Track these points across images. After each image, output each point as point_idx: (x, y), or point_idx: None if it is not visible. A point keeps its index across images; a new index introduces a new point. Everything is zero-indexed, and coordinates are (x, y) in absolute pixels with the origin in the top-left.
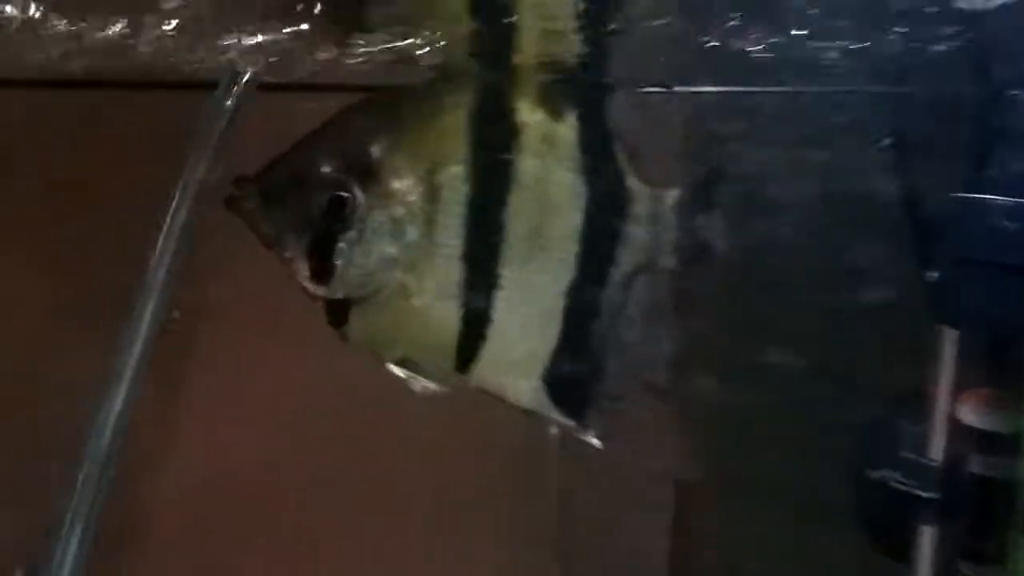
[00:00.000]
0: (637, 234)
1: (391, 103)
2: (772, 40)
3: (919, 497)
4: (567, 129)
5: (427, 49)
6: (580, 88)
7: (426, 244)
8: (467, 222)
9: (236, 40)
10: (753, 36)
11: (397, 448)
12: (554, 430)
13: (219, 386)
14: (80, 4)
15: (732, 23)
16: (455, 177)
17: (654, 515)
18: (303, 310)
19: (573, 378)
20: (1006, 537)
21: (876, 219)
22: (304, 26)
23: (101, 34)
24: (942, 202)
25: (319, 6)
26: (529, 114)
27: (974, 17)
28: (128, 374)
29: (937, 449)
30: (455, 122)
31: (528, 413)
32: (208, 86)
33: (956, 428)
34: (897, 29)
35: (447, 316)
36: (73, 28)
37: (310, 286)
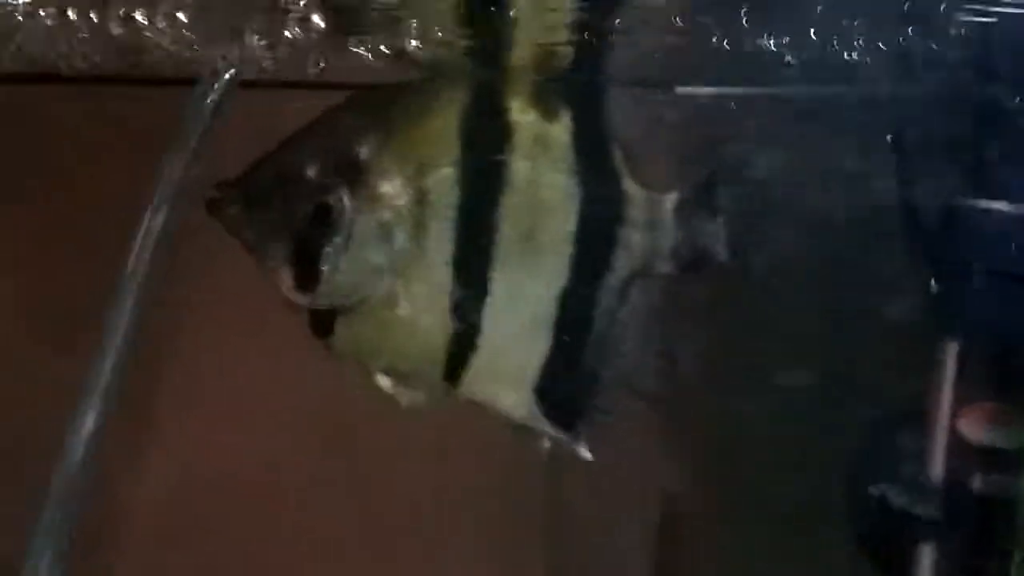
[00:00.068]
0: (634, 239)
1: (379, 102)
2: (773, 40)
3: (919, 515)
4: (561, 130)
5: (418, 46)
6: (575, 87)
7: (415, 250)
8: (457, 227)
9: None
10: (756, 36)
11: (385, 451)
12: (544, 442)
13: (201, 387)
14: None
15: (735, 22)
16: (445, 180)
17: (640, 525)
18: (287, 310)
19: (565, 389)
20: (1008, 556)
21: (876, 227)
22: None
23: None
24: (944, 210)
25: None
26: (522, 114)
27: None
28: (104, 380)
29: (937, 465)
30: (445, 123)
31: (517, 425)
32: (187, 82)
33: (957, 444)
34: (901, 31)
35: (436, 325)
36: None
37: (294, 295)
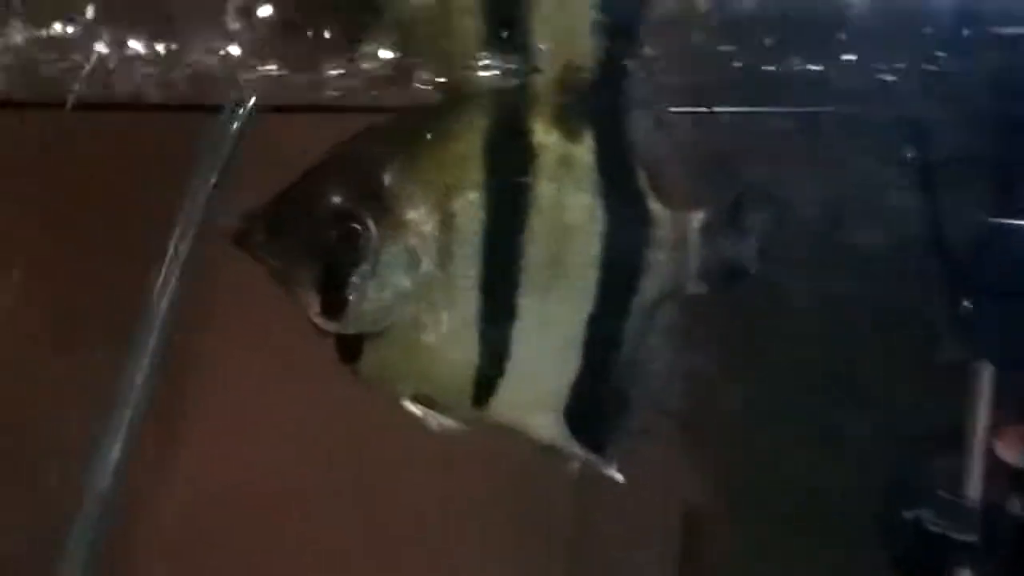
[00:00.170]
0: (660, 260)
1: (402, 127)
2: (802, 60)
3: (955, 539)
4: (585, 150)
5: (437, 69)
6: (598, 107)
7: (441, 275)
8: (483, 251)
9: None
10: (784, 55)
11: (402, 465)
12: (574, 464)
13: (211, 400)
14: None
15: (763, 41)
16: (470, 204)
17: (662, 541)
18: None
19: (594, 411)
20: None
21: (907, 246)
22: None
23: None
24: (977, 230)
25: (327, 27)
26: (546, 135)
27: (1010, 39)
28: (131, 403)
29: (974, 489)
30: (469, 146)
31: (547, 448)
32: (210, 109)
33: (994, 467)
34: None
35: (464, 350)
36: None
37: (321, 321)
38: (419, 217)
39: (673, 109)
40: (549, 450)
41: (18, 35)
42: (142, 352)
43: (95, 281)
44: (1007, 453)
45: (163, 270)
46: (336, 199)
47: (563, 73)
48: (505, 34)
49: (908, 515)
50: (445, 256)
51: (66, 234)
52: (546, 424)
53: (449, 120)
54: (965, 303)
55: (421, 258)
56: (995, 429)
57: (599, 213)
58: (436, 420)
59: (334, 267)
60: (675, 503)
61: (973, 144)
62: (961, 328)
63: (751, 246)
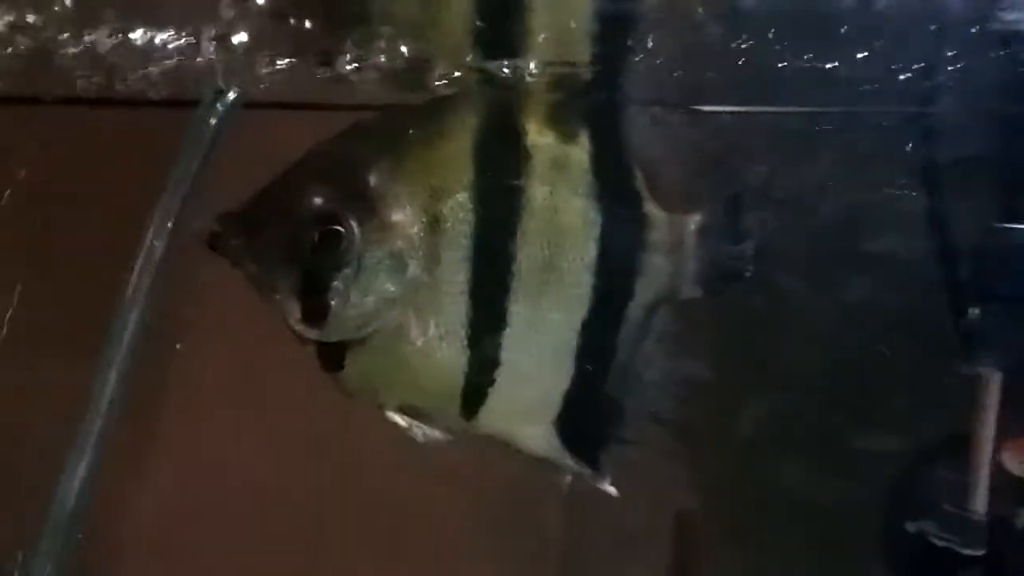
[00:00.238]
0: (656, 264)
1: (388, 125)
2: (801, 59)
3: (961, 553)
4: (580, 152)
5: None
6: (594, 107)
7: (428, 281)
8: (473, 256)
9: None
10: (782, 54)
11: (389, 471)
12: (566, 476)
13: (205, 401)
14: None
15: (761, 40)
16: (459, 207)
17: (653, 550)
18: (288, 344)
19: (587, 422)
20: None
21: (910, 252)
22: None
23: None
24: (982, 235)
25: (313, 21)
26: (539, 136)
27: (1016, 36)
28: (103, 405)
29: (980, 501)
30: (459, 146)
31: (539, 460)
32: (189, 104)
33: (1001, 478)
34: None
35: (452, 358)
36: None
37: (302, 329)
38: (405, 219)
39: (671, 108)
40: (540, 462)
41: None
42: (114, 354)
43: (68, 283)
44: (1014, 464)
45: (135, 270)
46: (317, 199)
47: (558, 70)
48: (498, 28)
49: (912, 528)
50: (432, 260)
51: (39, 234)
52: (537, 435)
53: (438, 118)
54: (972, 310)
55: (407, 262)
56: (1002, 439)
57: (594, 216)
58: (422, 431)
59: (315, 271)
60: (667, 513)
61: (980, 148)
62: (968, 336)
63: (747, 249)
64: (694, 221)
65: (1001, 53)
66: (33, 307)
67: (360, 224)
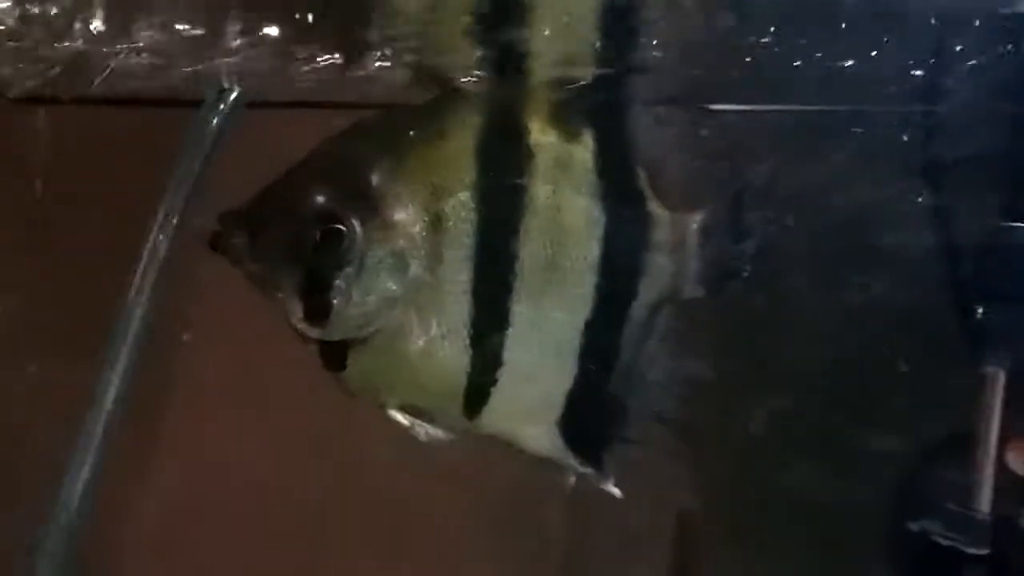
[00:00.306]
0: (659, 263)
1: (390, 124)
2: (805, 56)
3: (965, 553)
4: (584, 151)
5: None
6: (597, 105)
7: (431, 280)
8: (475, 255)
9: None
10: (787, 52)
11: (391, 471)
12: (570, 477)
13: (205, 406)
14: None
15: (764, 37)
16: (462, 206)
17: (656, 548)
18: (290, 344)
19: (590, 422)
20: None
21: (914, 249)
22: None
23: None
24: (987, 233)
25: (316, 18)
26: (542, 135)
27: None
28: (106, 405)
29: (984, 501)
30: (461, 145)
31: (542, 460)
32: (191, 103)
33: (1005, 478)
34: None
35: (454, 358)
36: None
37: (304, 327)
38: (407, 218)
39: (674, 106)
40: (543, 462)
41: None
42: (117, 354)
43: (69, 283)
44: (1018, 464)
45: (138, 269)
46: (319, 198)
47: (561, 68)
48: (501, 26)
49: (915, 528)
50: (435, 259)
51: (41, 235)
52: (540, 435)
53: (441, 117)
54: (978, 309)
55: (409, 261)
56: (1006, 439)
57: (597, 215)
58: (424, 431)
59: (317, 270)
60: (670, 513)
61: (985, 146)
62: (972, 335)
63: (748, 248)
64: (697, 220)
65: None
66: (33, 307)
67: (362, 223)
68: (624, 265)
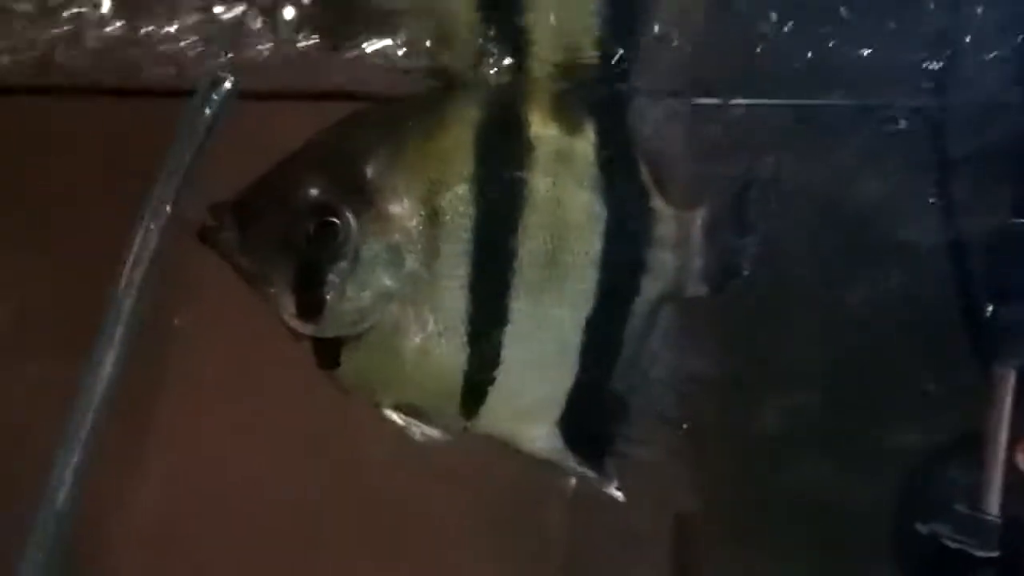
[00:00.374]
0: (662, 260)
1: (387, 116)
2: (810, 50)
3: (974, 555)
4: (585, 144)
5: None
6: (599, 98)
7: (427, 275)
8: (473, 250)
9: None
10: (792, 45)
11: (388, 469)
12: (570, 479)
13: (200, 403)
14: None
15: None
16: (459, 199)
17: (651, 550)
18: (283, 340)
19: (591, 422)
20: None
21: (922, 246)
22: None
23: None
24: (998, 231)
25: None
26: (543, 127)
27: None
28: (95, 402)
29: (994, 502)
30: (459, 137)
31: (542, 462)
32: (183, 94)
33: (1015, 478)
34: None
35: (451, 356)
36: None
37: (297, 324)
38: (404, 211)
39: (678, 99)
40: (543, 464)
41: None
42: (107, 348)
43: (69, 282)
44: None
45: (128, 261)
46: (313, 190)
47: (563, 59)
48: (502, 16)
49: (923, 529)
50: (431, 254)
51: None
52: (540, 436)
53: (439, 109)
54: (985, 305)
55: (405, 256)
56: (1016, 439)
57: (598, 210)
58: (420, 430)
59: (310, 264)
60: (671, 513)
61: (996, 142)
62: (982, 334)
63: (753, 245)
64: (701, 216)
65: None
66: (33, 306)
67: (357, 216)
68: (626, 261)
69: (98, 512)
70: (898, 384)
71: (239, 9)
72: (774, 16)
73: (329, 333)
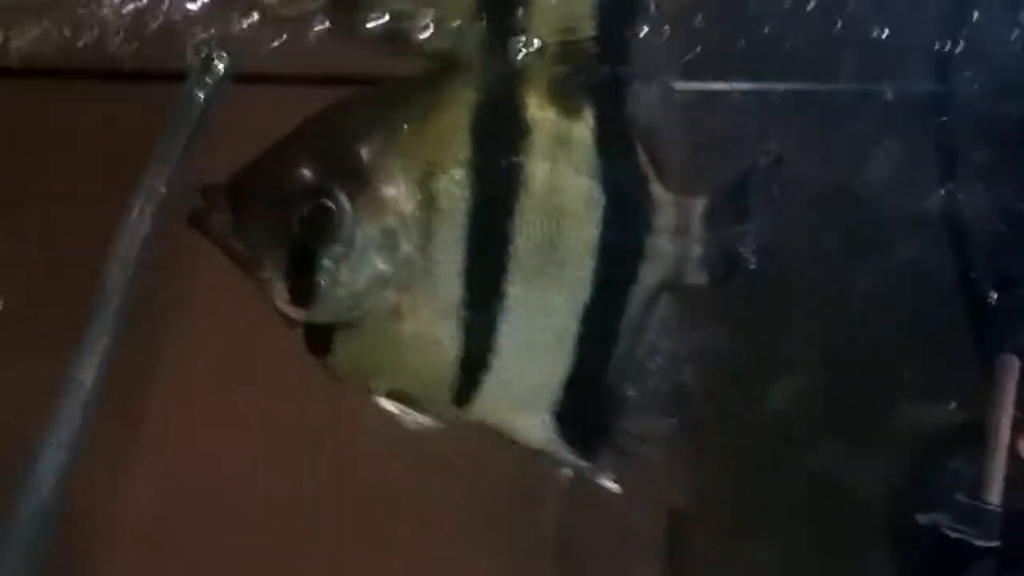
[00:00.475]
0: (660, 248)
1: (383, 98)
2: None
3: (975, 546)
4: (583, 128)
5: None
6: (598, 81)
7: (422, 260)
8: (469, 235)
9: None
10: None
11: (383, 462)
12: (565, 470)
13: (193, 395)
14: None
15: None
16: (455, 183)
17: (646, 544)
18: (276, 328)
19: (587, 412)
20: None
21: (923, 232)
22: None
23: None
24: (1001, 213)
25: None
26: (540, 111)
27: None
28: (83, 390)
29: (996, 491)
30: (456, 120)
31: (536, 452)
32: (175, 77)
33: (1017, 467)
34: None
35: (446, 343)
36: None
37: (289, 309)
38: (398, 195)
39: (679, 83)
40: (538, 455)
41: None
42: (95, 338)
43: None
44: None
45: (117, 249)
46: (306, 173)
47: (560, 41)
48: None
49: (923, 520)
50: (426, 239)
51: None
52: (534, 426)
53: (435, 91)
54: (989, 291)
55: (400, 240)
56: (1019, 427)
57: (596, 195)
58: (414, 419)
59: (303, 249)
60: (664, 504)
61: (1000, 127)
62: (985, 321)
63: (756, 235)
64: (702, 204)
65: None
66: (33, 305)
67: (351, 199)
68: (624, 249)
69: (93, 506)
70: (899, 373)
71: None
72: None
73: (322, 319)
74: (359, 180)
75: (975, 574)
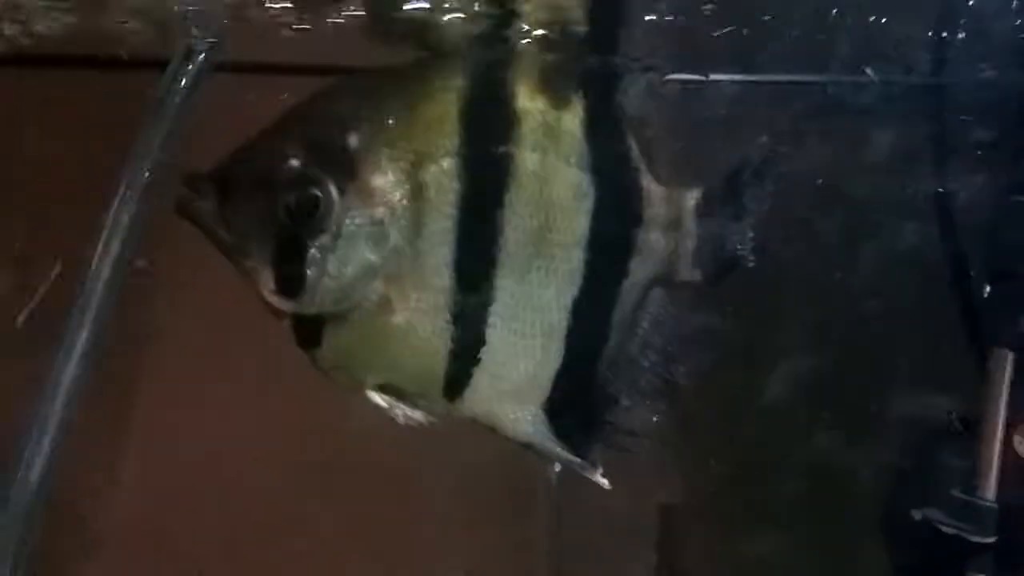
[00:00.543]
0: (652, 241)
1: (371, 86)
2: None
3: (970, 541)
4: (574, 119)
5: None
6: (589, 71)
7: (411, 251)
8: (458, 226)
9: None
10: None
11: (369, 467)
12: (555, 465)
13: (174, 401)
14: None
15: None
16: (444, 173)
17: (637, 539)
18: (262, 319)
19: (577, 407)
20: None
21: (916, 224)
22: None
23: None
24: (994, 207)
25: None
26: (531, 101)
27: None
28: (65, 385)
29: (990, 486)
30: (445, 109)
31: (526, 447)
32: (157, 64)
33: (1012, 462)
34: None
35: (435, 335)
36: None
37: (276, 300)
38: (388, 184)
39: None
40: (528, 450)
41: None
42: (77, 333)
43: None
44: None
45: (101, 241)
46: (294, 161)
47: (550, 29)
48: None
49: (917, 515)
50: (416, 229)
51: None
52: (524, 420)
53: (424, 79)
54: (982, 285)
55: (389, 231)
56: (1014, 421)
57: (586, 187)
58: (403, 412)
59: (291, 238)
60: (660, 497)
61: (992, 123)
62: (981, 314)
63: (746, 227)
64: (693, 197)
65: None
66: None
67: (340, 188)
68: (614, 241)
69: (83, 501)
70: (894, 367)
71: None
72: None
73: (310, 311)
74: (347, 169)
75: (970, 569)
